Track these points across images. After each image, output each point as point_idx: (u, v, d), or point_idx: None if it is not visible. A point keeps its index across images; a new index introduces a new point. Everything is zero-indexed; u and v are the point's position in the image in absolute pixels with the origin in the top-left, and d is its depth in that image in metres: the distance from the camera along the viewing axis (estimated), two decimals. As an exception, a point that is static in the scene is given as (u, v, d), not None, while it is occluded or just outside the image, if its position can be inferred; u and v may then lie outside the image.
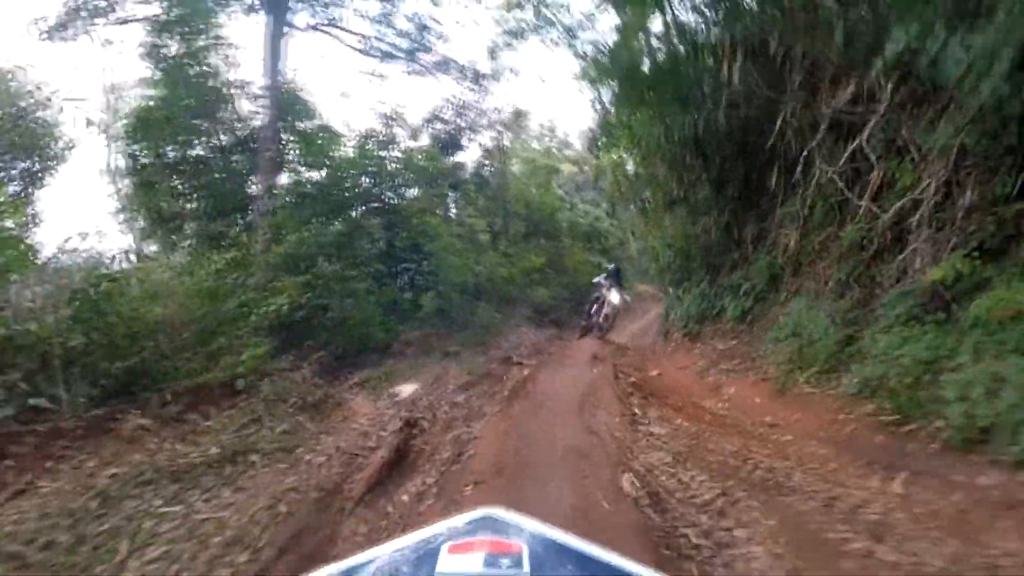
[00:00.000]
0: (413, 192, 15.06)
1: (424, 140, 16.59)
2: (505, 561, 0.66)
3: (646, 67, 7.86)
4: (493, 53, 15.66)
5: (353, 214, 12.26)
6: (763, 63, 5.98)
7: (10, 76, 14.92)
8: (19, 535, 2.71)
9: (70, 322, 4.42)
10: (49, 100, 15.76)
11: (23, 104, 16.10)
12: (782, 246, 6.64)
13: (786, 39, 5.47)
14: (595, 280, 11.38)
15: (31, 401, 3.90)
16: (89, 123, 15.38)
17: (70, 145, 15.86)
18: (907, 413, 3.64)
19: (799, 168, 6.10)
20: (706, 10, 6.81)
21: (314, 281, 7.99)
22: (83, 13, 12.58)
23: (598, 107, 11.96)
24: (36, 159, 16.15)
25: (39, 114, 16.14)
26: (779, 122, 5.92)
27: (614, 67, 8.26)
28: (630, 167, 12.68)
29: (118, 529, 2.90)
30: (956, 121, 4.01)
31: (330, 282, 8.48)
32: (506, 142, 22.39)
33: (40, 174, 15.72)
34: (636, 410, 4.64)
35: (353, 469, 3.63)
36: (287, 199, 11.93)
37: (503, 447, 3.75)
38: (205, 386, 4.87)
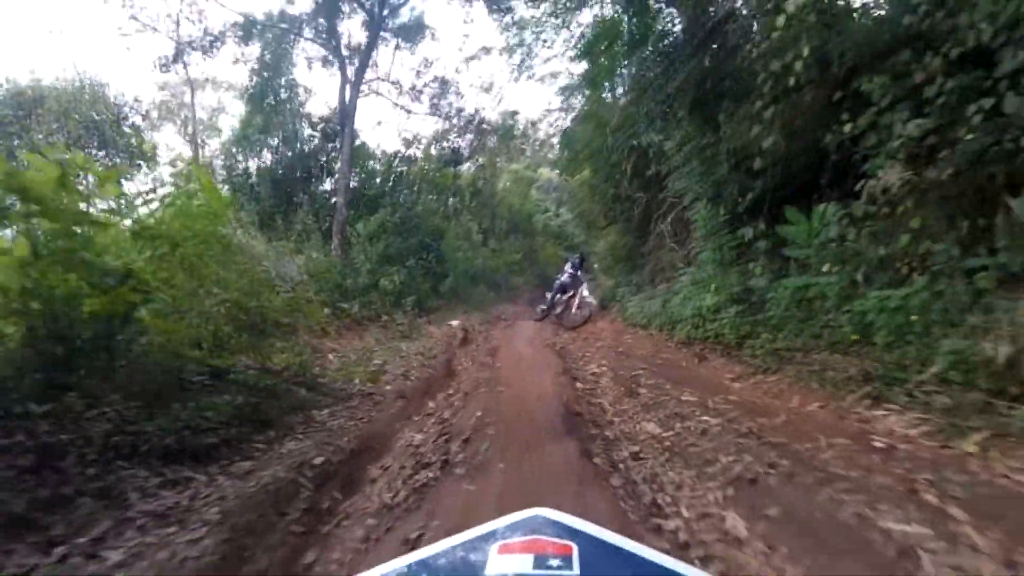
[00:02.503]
0: (424, 198, 20.37)
1: (433, 152, 21.83)
2: (555, 562, 0.66)
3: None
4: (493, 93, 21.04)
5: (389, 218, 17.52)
6: (643, 161, 11.58)
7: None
8: (355, 352, 8.07)
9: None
10: (146, 113, 20.42)
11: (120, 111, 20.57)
12: (653, 259, 12.31)
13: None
14: (565, 268, 13.43)
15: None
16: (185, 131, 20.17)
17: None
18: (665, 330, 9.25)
19: (660, 215, 11.73)
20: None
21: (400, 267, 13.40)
22: (190, 50, 17.54)
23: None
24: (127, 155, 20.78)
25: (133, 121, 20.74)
26: (647, 197, 11.58)
27: (568, 147, 13.87)
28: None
29: (373, 352, 8.29)
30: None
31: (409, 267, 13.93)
32: (496, 158, 27.73)
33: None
34: (562, 336, 10.25)
35: (449, 340, 9.13)
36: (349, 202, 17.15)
37: (503, 339, 9.30)
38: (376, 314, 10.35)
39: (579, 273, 12.71)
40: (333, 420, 4.25)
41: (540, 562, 0.66)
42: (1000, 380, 3.03)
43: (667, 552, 0.70)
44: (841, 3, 5.34)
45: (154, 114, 20.72)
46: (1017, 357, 3.05)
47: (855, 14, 5.38)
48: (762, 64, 5.50)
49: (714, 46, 6.42)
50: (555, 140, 22.01)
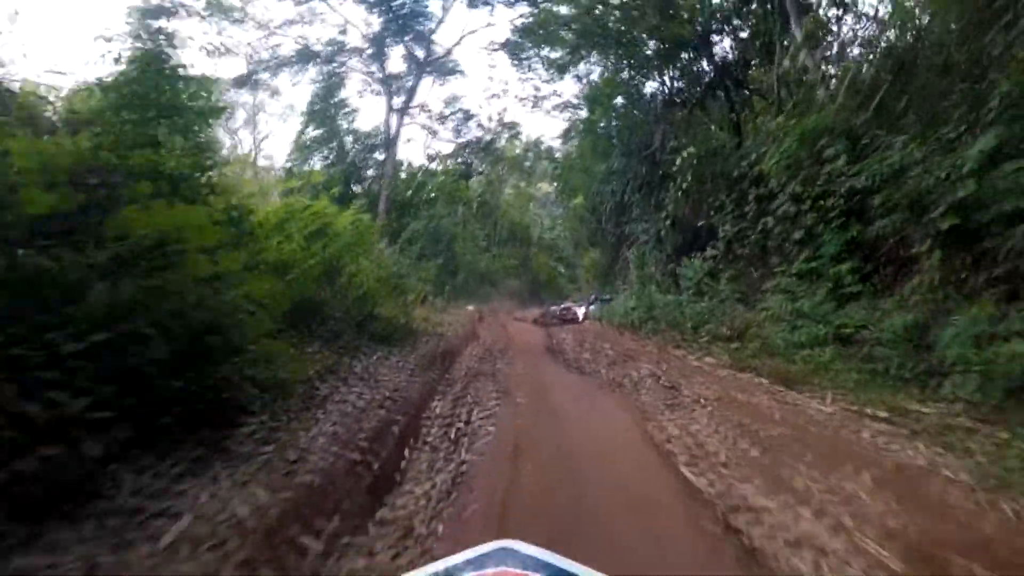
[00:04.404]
0: (442, 207, 24.69)
1: (450, 166, 26.16)
2: None
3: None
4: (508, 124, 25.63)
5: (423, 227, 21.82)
6: (617, 208, 16.04)
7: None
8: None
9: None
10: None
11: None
12: (619, 277, 16.77)
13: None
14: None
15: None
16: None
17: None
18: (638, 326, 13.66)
19: (627, 245, 16.16)
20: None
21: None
22: (263, 68, 21.70)
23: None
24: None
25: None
26: (618, 232, 16.05)
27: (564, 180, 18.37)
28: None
29: (430, 317, 12.58)
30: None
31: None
32: (500, 172, 32.10)
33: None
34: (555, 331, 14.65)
35: (471, 318, 13.46)
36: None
37: (507, 321, 13.65)
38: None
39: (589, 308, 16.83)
40: (431, 342, 8.58)
41: None
42: (727, 340, 7.42)
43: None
44: (715, 153, 9.80)
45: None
46: (735, 332, 7.46)
47: (718, 158, 9.83)
48: (672, 177, 9.99)
49: (647, 157, 10.96)
50: (558, 154, 26.40)
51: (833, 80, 7.92)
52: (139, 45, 5.18)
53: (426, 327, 10.21)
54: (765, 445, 3.26)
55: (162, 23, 6.88)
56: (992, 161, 4.71)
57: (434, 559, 2.45)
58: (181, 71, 5.10)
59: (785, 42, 8.76)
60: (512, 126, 28.12)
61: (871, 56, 7.37)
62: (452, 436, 4.11)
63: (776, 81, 8.10)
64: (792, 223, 7.17)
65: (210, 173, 5.21)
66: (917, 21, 7.10)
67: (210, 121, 5.93)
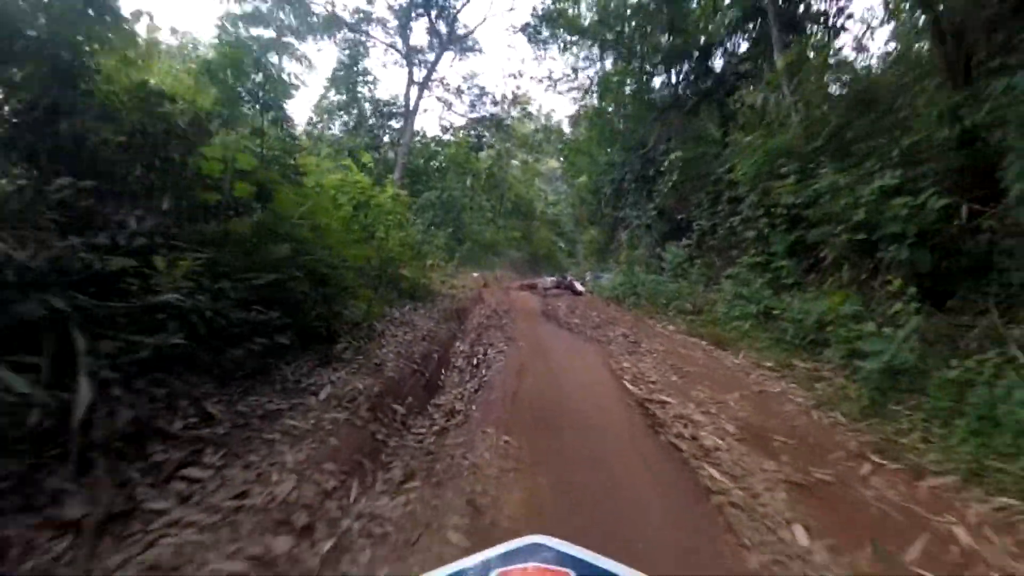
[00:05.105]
0: (453, 177, 26.08)
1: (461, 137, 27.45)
2: None
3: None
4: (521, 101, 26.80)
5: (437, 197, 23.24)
6: (616, 193, 17.54)
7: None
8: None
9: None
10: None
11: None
12: (614, 255, 18.37)
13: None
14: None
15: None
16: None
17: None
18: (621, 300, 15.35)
19: (623, 227, 17.71)
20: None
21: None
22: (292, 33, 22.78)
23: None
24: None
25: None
26: (616, 215, 17.59)
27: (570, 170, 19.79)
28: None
29: (444, 280, 14.23)
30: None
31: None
32: (509, 147, 33.31)
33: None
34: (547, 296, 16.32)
35: (477, 283, 15.09)
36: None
37: (510, 292, 15.31)
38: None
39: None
40: (447, 301, 10.23)
41: None
42: (689, 313, 9.07)
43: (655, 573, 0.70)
44: (700, 157, 11.30)
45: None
46: (696, 308, 9.13)
47: (703, 162, 11.34)
48: (663, 174, 11.53)
49: (644, 155, 12.46)
50: (568, 132, 27.65)
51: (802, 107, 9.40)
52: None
53: (441, 289, 11.86)
54: (683, 376, 4.97)
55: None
56: (887, 195, 6.30)
57: (468, 430, 4.22)
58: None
59: (768, 68, 10.20)
60: (525, 104, 29.43)
61: (826, 97, 8.83)
62: (474, 363, 5.82)
63: (757, 102, 9.54)
64: (751, 224, 8.77)
65: (296, 155, 6.76)
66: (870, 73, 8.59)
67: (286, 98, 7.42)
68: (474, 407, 4.30)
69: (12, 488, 2.11)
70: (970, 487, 3.05)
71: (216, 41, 7.54)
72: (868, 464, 3.26)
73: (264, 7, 19.83)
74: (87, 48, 3.79)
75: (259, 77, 6.34)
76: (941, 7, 7.42)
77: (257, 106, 6.22)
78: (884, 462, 3.30)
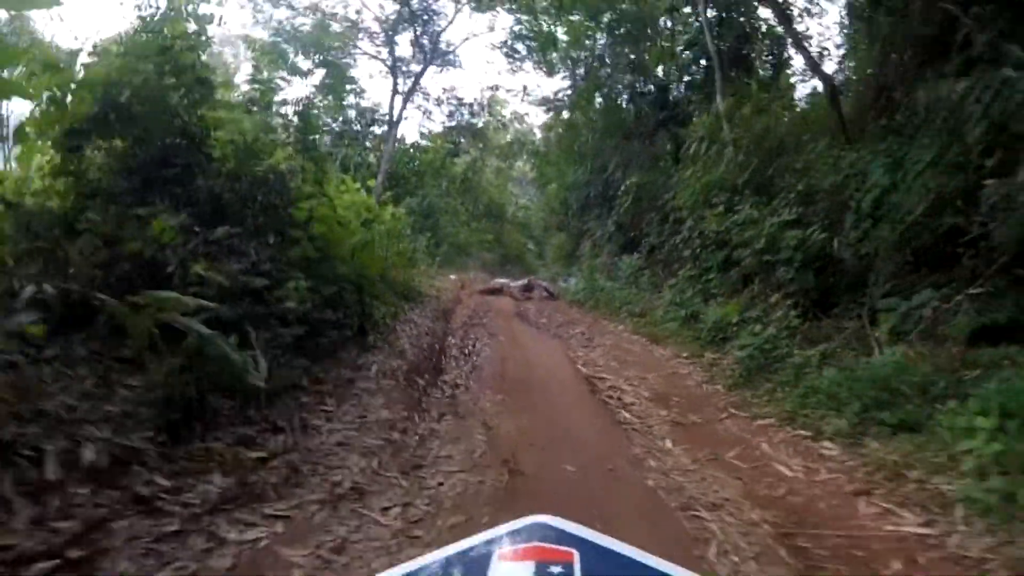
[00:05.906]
0: (431, 182, 27.70)
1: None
2: (556, 569, 0.67)
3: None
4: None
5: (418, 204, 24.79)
6: (581, 206, 19.51)
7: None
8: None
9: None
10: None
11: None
12: (579, 262, 20.35)
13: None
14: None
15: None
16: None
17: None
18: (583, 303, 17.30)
19: (587, 236, 19.70)
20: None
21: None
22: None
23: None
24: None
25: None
26: (580, 225, 19.61)
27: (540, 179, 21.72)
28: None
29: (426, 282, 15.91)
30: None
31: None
32: (484, 153, 35.02)
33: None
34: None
35: (455, 284, 16.86)
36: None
37: (483, 294, 17.15)
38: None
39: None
40: (433, 302, 11.96)
41: (541, 569, 0.67)
42: (636, 316, 11.05)
43: (667, 560, 0.71)
44: (652, 183, 13.31)
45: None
46: (642, 311, 11.11)
47: (654, 187, 13.36)
48: (619, 196, 13.52)
49: (605, 179, 14.46)
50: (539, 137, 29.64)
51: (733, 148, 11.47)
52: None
53: (428, 292, 13.59)
54: (621, 363, 6.93)
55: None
56: (785, 227, 8.35)
57: (472, 394, 6.10)
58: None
59: (710, 108, 12.27)
60: (500, 108, 31.29)
61: (755, 139, 10.87)
62: (466, 352, 7.63)
63: (696, 144, 11.59)
64: (688, 244, 10.81)
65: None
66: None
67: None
68: (472, 381, 6.13)
69: (232, 414, 3.83)
70: (784, 426, 5.01)
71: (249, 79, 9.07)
72: (725, 414, 5.22)
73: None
74: (207, 121, 5.45)
75: (295, 119, 7.92)
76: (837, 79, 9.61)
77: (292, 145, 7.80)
78: (737, 412, 5.26)
